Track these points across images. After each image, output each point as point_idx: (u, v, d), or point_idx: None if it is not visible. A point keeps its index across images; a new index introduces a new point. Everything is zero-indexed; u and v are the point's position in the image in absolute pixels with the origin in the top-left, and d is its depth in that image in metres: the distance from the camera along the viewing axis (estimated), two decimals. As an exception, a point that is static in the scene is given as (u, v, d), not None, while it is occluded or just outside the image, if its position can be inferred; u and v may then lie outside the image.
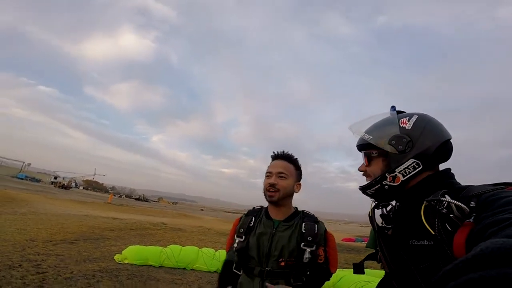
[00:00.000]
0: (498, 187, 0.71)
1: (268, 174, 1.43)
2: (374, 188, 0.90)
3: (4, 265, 3.85)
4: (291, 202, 1.46)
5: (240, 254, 1.37)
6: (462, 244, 0.61)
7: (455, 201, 0.67)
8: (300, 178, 1.51)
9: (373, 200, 0.97)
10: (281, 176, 1.40)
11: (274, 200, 1.38)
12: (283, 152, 1.50)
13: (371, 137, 0.92)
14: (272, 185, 1.37)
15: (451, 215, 0.67)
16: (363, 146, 0.97)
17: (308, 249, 1.29)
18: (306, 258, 1.28)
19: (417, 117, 0.88)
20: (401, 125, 0.88)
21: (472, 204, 0.66)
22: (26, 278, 3.48)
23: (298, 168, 1.49)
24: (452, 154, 0.88)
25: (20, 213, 9.70)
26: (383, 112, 0.97)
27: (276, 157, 1.49)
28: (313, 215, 1.46)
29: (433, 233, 0.69)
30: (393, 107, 0.96)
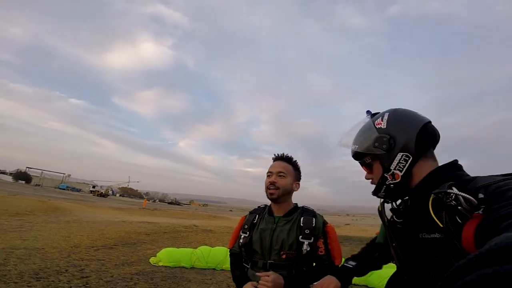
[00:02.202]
0: (507, 177, 0.69)
1: (269, 174, 1.55)
2: (382, 190, 0.93)
3: (52, 270, 4.24)
4: (290, 199, 1.58)
5: (246, 249, 1.51)
6: (471, 237, 0.61)
7: (463, 193, 0.66)
8: (299, 178, 1.62)
9: (385, 199, 1.00)
10: (281, 175, 1.52)
11: (274, 197, 1.50)
12: (283, 154, 1.62)
13: (357, 146, 0.98)
14: (272, 184, 1.50)
15: (460, 208, 0.66)
16: (355, 156, 1.02)
17: (306, 241, 1.40)
18: (304, 250, 1.38)
19: (388, 114, 0.93)
20: (377, 126, 0.93)
21: (481, 195, 0.65)
22: (72, 283, 3.82)
23: (296, 168, 1.61)
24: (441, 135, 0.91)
25: (64, 222, 10.48)
26: (362, 118, 1.03)
27: (276, 158, 1.61)
28: (313, 209, 1.55)
29: (441, 226, 0.69)
30: (368, 112, 1.01)
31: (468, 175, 0.81)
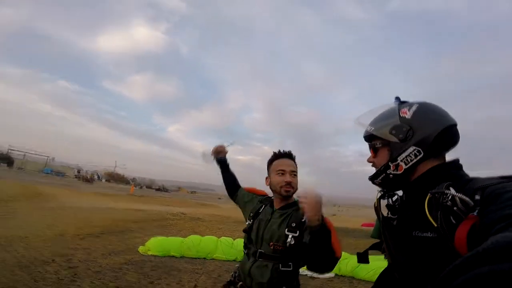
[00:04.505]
0: (504, 180, 0.68)
1: (281, 172, 1.55)
2: (380, 178, 0.93)
3: (38, 260, 4.14)
4: None
5: (247, 236, 1.59)
6: (463, 238, 0.61)
7: (459, 194, 0.66)
8: None
9: (379, 190, 0.99)
10: (294, 174, 1.57)
11: (289, 195, 1.54)
12: (290, 151, 1.64)
13: (373, 128, 0.96)
14: (288, 183, 1.52)
15: (455, 208, 0.66)
16: (367, 137, 1.00)
17: (291, 234, 1.41)
18: (288, 243, 1.40)
19: (418, 106, 0.89)
20: (402, 115, 0.90)
21: (477, 197, 0.64)
22: (60, 273, 3.74)
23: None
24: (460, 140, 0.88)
25: (49, 208, 10.27)
26: (388, 103, 0.99)
27: (284, 155, 1.62)
28: None
29: (435, 225, 0.69)
30: (397, 98, 0.97)
31: (467, 176, 0.81)
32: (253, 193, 1.81)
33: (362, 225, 16.56)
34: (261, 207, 1.64)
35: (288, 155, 1.62)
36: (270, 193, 1.75)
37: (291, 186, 1.54)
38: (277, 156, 1.63)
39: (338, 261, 1.32)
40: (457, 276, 0.34)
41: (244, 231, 1.61)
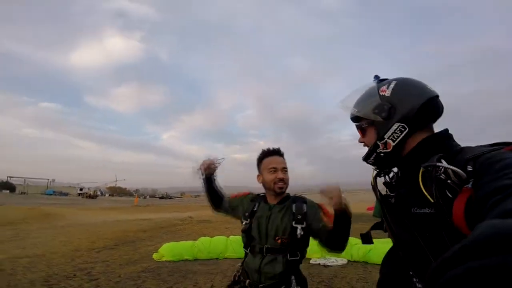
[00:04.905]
0: (494, 148, 0.68)
1: (273, 169, 1.64)
2: (372, 157, 0.94)
3: (61, 276, 4.34)
4: None
5: (246, 235, 1.64)
6: (461, 212, 0.60)
7: (451, 166, 0.65)
8: None
9: (374, 168, 0.99)
10: (285, 171, 1.66)
11: (283, 191, 1.64)
12: (279, 148, 1.72)
13: (356, 110, 0.97)
14: (281, 180, 1.62)
15: (449, 181, 0.65)
16: (354, 119, 1.02)
17: (299, 226, 1.52)
18: (298, 234, 1.51)
19: (395, 83, 0.89)
20: (381, 93, 0.90)
21: (469, 168, 0.64)
22: (83, 286, 3.94)
23: None
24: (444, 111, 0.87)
25: (59, 226, 10.43)
26: (368, 82, 0.99)
27: (273, 152, 1.70)
28: (303, 196, 1.70)
29: (432, 201, 0.68)
30: (375, 77, 0.98)
31: (458, 145, 0.80)
32: (240, 197, 1.82)
33: (367, 209, 16.30)
34: (254, 205, 1.69)
35: (277, 152, 1.70)
36: (255, 190, 1.84)
37: (284, 182, 1.62)
38: (267, 153, 1.70)
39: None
40: (447, 270, 0.34)
41: (243, 231, 1.65)
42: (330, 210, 1.50)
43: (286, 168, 1.67)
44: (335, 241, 1.46)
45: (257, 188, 1.82)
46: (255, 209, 1.67)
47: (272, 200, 1.67)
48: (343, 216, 1.37)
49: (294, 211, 1.56)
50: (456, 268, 0.33)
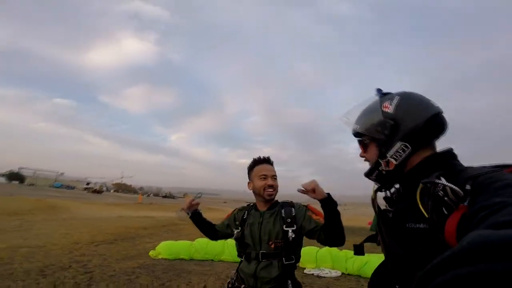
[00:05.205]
0: (496, 169, 0.68)
1: (264, 177, 1.69)
2: (374, 174, 0.92)
3: (57, 267, 4.42)
4: None
5: (239, 243, 1.69)
6: (453, 229, 0.60)
7: (450, 184, 0.65)
8: None
9: (376, 183, 0.97)
10: (275, 178, 1.72)
11: (272, 198, 1.69)
12: (268, 157, 1.79)
13: (358, 126, 0.95)
14: (271, 186, 1.67)
15: (446, 198, 0.65)
16: (355, 134, 0.99)
17: (290, 229, 1.57)
18: (290, 237, 1.56)
19: (399, 99, 0.86)
20: (384, 110, 0.87)
21: (468, 187, 0.64)
22: (77, 278, 4.00)
23: None
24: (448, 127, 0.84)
25: (62, 219, 10.61)
26: (370, 96, 0.96)
27: (264, 161, 1.76)
28: (291, 201, 1.74)
29: (427, 216, 0.68)
30: (378, 90, 0.94)
31: (461, 165, 0.79)
32: (231, 215, 1.87)
33: (368, 224, 16.20)
34: (244, 213, 1.74)
35: (267, 161, 1.76)
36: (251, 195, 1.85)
37: (274, 189, 1.67)
38: (257, 162, 1.76)
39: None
40: (435, 276, 0.34)
41: (236, 239, 1.69)
42: (319, 210, 1.57)
43: (275, 175, 1.72)
44: (332, 235, 1.49)
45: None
46: (245, 217, 1.72)
47: (262, 207, 1.71)
48: (329, 203, 1.43)
49: (283, 215, 1.61)
50: (444, 274, 0.33)
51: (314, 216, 1.58)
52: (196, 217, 1.92)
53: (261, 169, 1.72)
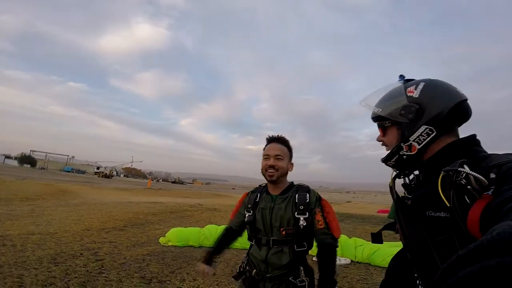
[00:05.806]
0: None
1: (266, 157, 1.61)
2: (393, 159, 0.91)
3: (68, 255, 4.45)
4: (286, 179, 1.67)
5: (250, 227, 1.62)
6: (476, 218, 0.59)
7: (473, 172, 0.63)
8: (292, 157, 1.69)
9: (394, 170, 0.96)
10: (278, 158, 1.60)
11: (273, 179, 1.59)
12: (278, 135, 1.68)
13: (380, 109, 0.94)
14: (271, 166, 1.58)
15: (469, 187, 0.63)
16: (375, 118, 0.98)
17: (302, 217, 1.50)
18: (301, 225, 1.49)
19: (424, 84, 0.86)
20: (408, 94, 0.87)
21: (492, 175, 0.62)
22: (88, 266, 4.01)
23: (290, 149, 1.68)
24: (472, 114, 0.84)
25: (73, 205, 10.77)
26: (393, 82, 0.96)
27: (271, 140, 1.67)
28: (307, 186, 1.64)
29: (448, 204, 0.67)
30: (401, 76, 0.95)
31: (485, 152, 0.77)
32: (241, 203, 1.76)
33: (378, 212, 16.25)
34: (256, 196, 1.66)
35: (276, 139, 1.66)
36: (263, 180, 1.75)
37: (275, 169, 1.57)
38: (267, 141, 1.68)
39: (342, 245, 1.46)
40: (462, 267, 0.33)
41: (247, 223, 1.63)
42: (330, 205, 1.53)
43: (280, 155, 1.60)
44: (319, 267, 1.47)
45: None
46: (257, 200, 1.65)
47: (273, 190, 1.64)
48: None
49: (296, 201, 1.54)
50: (472, 265, 0.32)
51: (318, 216, 1.50)
52: (217, 253, 1.74)
53: (267, 148, 1.65)
